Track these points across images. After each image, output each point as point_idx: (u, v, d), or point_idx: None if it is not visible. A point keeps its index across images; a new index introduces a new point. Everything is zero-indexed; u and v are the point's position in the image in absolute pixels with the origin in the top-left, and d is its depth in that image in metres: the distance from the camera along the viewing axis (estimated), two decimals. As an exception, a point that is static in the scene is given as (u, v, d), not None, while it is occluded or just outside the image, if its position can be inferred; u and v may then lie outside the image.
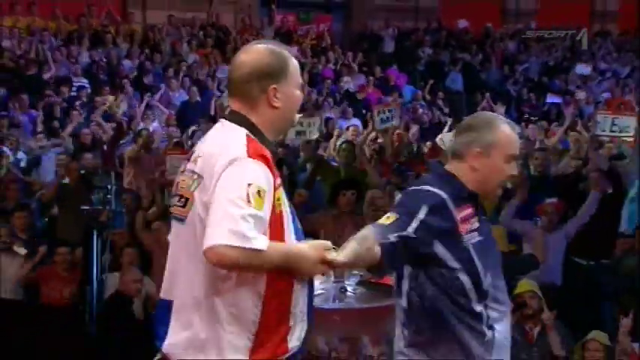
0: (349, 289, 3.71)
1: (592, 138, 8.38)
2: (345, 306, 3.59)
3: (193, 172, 2.29)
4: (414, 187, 2.63)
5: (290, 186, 7.77)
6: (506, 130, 2.60)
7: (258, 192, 2.17)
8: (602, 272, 6.59)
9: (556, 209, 6.62)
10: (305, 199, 6.87)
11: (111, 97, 10.77)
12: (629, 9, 17.93)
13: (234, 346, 2.23)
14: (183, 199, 2.30)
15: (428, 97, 14.27)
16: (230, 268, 2.17)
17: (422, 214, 2.47)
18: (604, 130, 8.05)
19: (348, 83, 14.29)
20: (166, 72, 13.02)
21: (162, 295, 2.39)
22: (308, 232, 2.51)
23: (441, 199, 2.52)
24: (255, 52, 2.35)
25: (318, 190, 7.62)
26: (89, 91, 11.93)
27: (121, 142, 9.49)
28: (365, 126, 10.75)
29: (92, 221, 6.19)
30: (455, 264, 2.53)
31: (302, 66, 14.64)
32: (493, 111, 12.92)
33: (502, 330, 2.61)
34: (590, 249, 6.70)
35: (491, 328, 2.57)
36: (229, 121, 2.36)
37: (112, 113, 10.23)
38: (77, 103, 11.38)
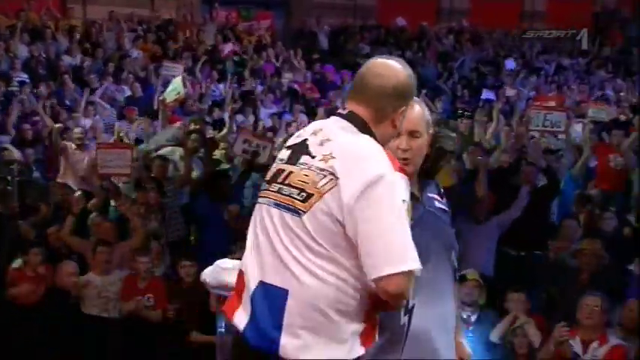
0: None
1: (522, 133, 8.57)
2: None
3: (322, 169, 2.23)
4: None
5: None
6: None
7: (407, 209, 2.22)
8: (533, 262, 6.73)
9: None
10: (237, 213, 6.74)
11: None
12: (556, 9, 18.42)
13: (355, 336, 2.23)
14: (304, 194, 2.23)
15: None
16: (403, 295, 2.20)
17: None
18: (537, 126, 8.30)
19: (290, 80, 14.27)
20: (107, 67, 12.79)
21: (272, 280, 2.25)
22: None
23: None
24: (399, 71, 2.35)
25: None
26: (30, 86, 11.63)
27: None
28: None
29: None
30: None
31: (244, 62, 14.50)
32: (429, 107, 13.13)
33: (417, 322, 2.48)
34: (522, 240, 6.83)
35: (408, 312, 2.48)
36: (351, 123, 2.32)
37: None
38: (18, 97, 11.07)
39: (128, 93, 12.27)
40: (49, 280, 6.14)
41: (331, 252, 2.21)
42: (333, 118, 2.37)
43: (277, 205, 2.28)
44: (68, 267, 6.14)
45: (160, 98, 9.16)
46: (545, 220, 7.21)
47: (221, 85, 13.13)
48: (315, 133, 2.33)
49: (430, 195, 2.65)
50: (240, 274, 2.38)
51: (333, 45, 16.23)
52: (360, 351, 2.24)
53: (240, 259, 2.48)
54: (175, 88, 9.33)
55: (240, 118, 11.10)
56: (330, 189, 2.20)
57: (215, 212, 7.10)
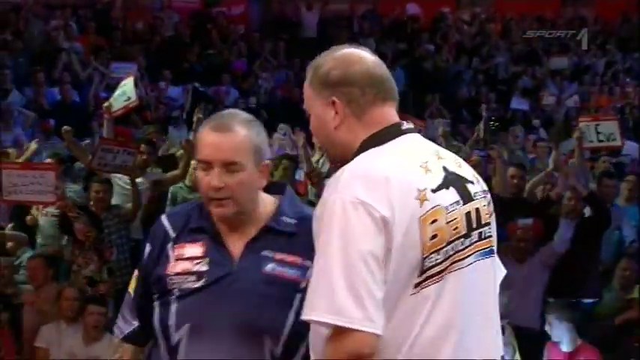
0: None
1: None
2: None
3: (484, 191, 2.35)
4: None
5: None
6: (201, 131, 2.54)
7: None
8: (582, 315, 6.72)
9: (532, 231, 6.86)
10: None
11: None
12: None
13: None
14: (491, 227, 2.34)
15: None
16: None
17: (147, 249, 2.58)
18: (592, 141, 8.07)
19: (267, 81, 14.36)
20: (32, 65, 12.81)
21: (491, 355, 2.29)
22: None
23: (162, 230, 2.55)
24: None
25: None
26: None
27: None
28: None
29: None
30: (156, 308, 2.51)
31: (211, 58, 14.21)
32: (442, 116, 13.17)
33: None
34: (569, 285, 6.83)
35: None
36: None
37: None
38: None
39: (58, 97, 12.32)
40: None
41: None
42: (415, 135, 2.36)
43: (483, 254, 2.28)
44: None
45: (105, 105, 8.93)
46: (596, 260, 7.18)
47: (177, 89, 13.20)
48: (440, 157, 2.31)
49: None
50: None
51: (325, 36, 16.26)
52: None
53: None
54: (125, 92, 9.04)
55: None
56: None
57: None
